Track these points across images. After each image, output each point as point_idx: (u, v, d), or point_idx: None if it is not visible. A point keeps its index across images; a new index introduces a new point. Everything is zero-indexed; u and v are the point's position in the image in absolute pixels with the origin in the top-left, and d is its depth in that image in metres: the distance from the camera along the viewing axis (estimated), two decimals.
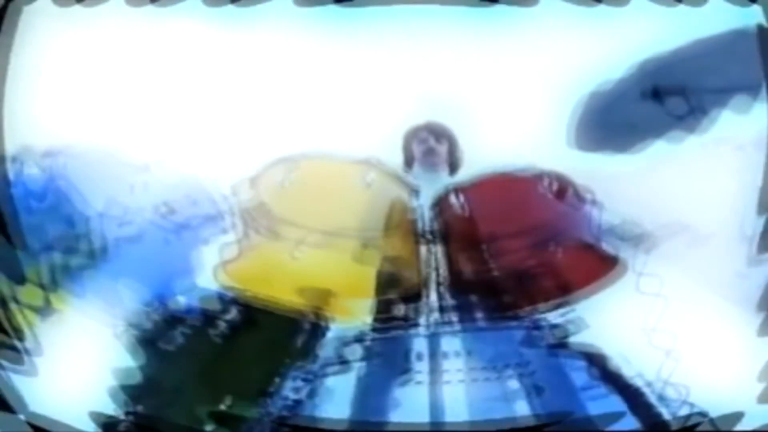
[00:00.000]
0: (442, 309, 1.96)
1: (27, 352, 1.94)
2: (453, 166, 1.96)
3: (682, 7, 1.91)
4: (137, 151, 1.91)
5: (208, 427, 1.93)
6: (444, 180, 1.97)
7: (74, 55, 1.92)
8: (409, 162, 1.96)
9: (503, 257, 1.95)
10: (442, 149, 1.95)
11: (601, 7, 1.89)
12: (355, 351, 1.94)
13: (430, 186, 1.97)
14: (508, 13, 1.88)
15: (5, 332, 1.93)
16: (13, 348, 1.93)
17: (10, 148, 1.93)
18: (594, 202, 1.94)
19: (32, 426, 1.92)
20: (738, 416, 1.93)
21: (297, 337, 1.95)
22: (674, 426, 1.94)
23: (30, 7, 1.91)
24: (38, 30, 1.92)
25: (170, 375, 1.94)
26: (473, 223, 1.96)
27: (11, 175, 1.93)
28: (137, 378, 1.94)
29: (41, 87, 1.93)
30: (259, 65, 1.90)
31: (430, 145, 1.95)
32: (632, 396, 1.94)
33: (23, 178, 1.93)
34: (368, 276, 1.95)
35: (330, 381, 1.94)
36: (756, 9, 1.93)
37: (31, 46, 1.92)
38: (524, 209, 1.97)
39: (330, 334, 1.94)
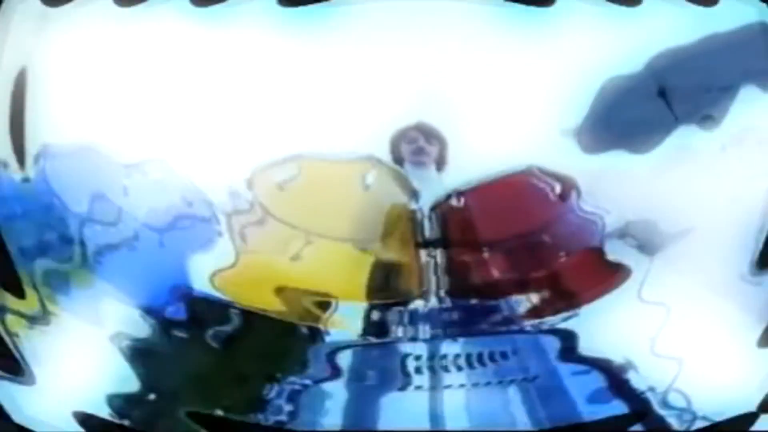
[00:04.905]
0: (441, 312, 1.94)
1: (20, 358, 1.93)
2: (440, 166, 1.91)
3: (684, 6, 1.87)
4: (130, 152, 1.89)
5: None
6: (438, 180, 1.93)
7: (65, 56, 1.89)
8: (398, 164, 1.92)
9: (504, 260, 1.93)
10: (433, 150, 1.91)
11: (608, 6, 1.85)
12: (353, 355, 1.93)
13: (426, 186, 1.93)
14: (512, 13, 1.85)
15: None
16: (7, 354, 1.92)
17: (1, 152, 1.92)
18: (596, 204, 1.90)
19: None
20: (743, 421, 1.92)
21: (292, 344, 1.93)
22: (677, 430, 1.92)
23: (21, 9, 1.90)
24: (29, 31, 1.90)
25: (166, 380, 1.93)
26: (473, 226, 1.93)
27: (2, 179, 1.92)
28: (131, 384, 1.92)
29: (33, 89, 1.91)
30: (258, 66, 1.87)
31: (420, 144, 1.90)
32: (634, 400, 1.93)
33: (11, 182, 1.92)
34: (366, 279, 1.93)
35: (327, 385, 1.93)
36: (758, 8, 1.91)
37: (22, 47, 1.90)
38: (525, 211, 1.94)
39: (327, 339, 1.93)
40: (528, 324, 1.94)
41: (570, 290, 1.93)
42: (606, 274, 1.93)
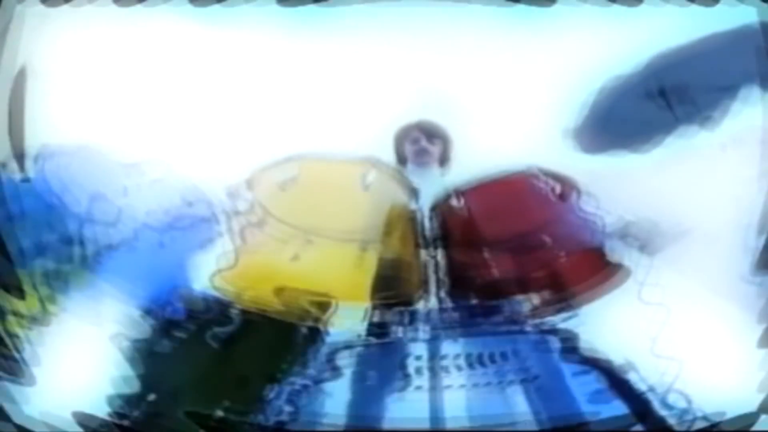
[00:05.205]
0: (441, 312, 1.94)
1: (21, 359, 1.92)
2: (443, 163, 1.95)
3: (684, 5, 1.90)
4: (132, 152, 1.89)
5: None
6: (439, 179, 1.95)
7: (67, 57, 1.91)
8: (401, 162, 1.95)
9: (504, 260, 1.93)
10: (435, 149, 1.94)
11: (604, 7, 1.88)
12: (353, 356, 1.92)
13: (427, 186, 1.95)
14: (509, 14, 1.88)
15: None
16: (8, 354, 1.91)
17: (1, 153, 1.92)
18: (596, 204, 1.92)
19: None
20: (742, 420, 1.90)
21: (294, 342, 1.92)
22: (677, 430, 1.91)
23: (20, 9, 1.90)
24: (28, 32, 1.90)
25: (166, 380, 1.92)
26: (474, 226, 1.94)
27: (2, 179, 1.92)
28: (133, 383, 1.91)
29: (32, 90, 1.91)
30: (258, 66, 1.89)
31: (422, 145, 1.94)
32: (635, 401, 1.92)
33: (14, 181, 1.91)
34: (368, 278, 1.93)
35: (327, 386, 1.92)
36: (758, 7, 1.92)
37: (21, 48, 1.91)
38: (525, 211, 1.95)
39: (328, 339, 1.92)
40: (528, 324, 1.93)
41: (570, 290, 1.93)
42: (606, 274, 1.93)
